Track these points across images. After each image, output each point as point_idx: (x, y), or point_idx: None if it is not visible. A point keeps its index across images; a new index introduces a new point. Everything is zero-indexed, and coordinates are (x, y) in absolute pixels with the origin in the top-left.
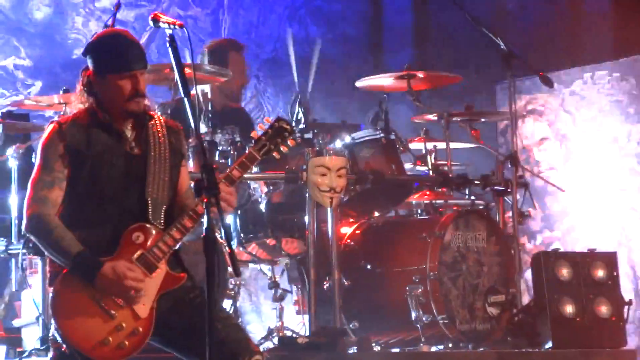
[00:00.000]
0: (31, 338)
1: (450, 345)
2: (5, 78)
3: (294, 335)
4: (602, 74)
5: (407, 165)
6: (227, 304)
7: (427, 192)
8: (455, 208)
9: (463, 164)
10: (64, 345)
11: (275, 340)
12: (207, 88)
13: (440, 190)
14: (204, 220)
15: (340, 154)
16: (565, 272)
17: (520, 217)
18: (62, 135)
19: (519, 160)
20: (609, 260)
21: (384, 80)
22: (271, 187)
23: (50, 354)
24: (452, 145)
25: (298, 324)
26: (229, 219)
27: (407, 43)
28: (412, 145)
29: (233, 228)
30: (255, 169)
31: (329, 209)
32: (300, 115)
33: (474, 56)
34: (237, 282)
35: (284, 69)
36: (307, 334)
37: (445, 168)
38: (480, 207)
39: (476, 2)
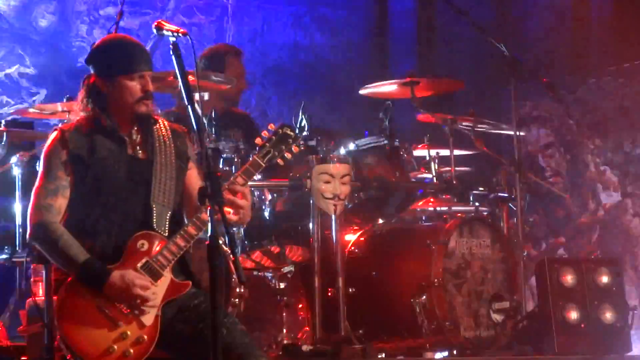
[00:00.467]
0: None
1: (455, 352)
2: (9, 86)
3: (299, 343)
4: (607, 80)
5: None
6: (231, 311)
7: (431, 199)
8: (459, 215)
9: (467, 171)
10: (69, 354)
11: (280, 348)
12: (206, 95)
13: (444, 197)
14: (209, 227)
15: (344, 161)
16: (569, 279)
17: (525, 223)
18: (65, 143)
19: (523, 166)
20: (614, 266)
21: (388, 87)
22: (275, 195)
23: None
24: (456, 152)
25: (302, 332)
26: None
27: (412, 50)
28: (416, 152)
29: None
30: (258, 176)
31: (333, 216)
32: (304, 123)
33: (478, 63)
34: (242, 289)
35: (288, 77)
36: (312, 341)
37: (449, 175)
38: (484, 213)
39: (480, 9)
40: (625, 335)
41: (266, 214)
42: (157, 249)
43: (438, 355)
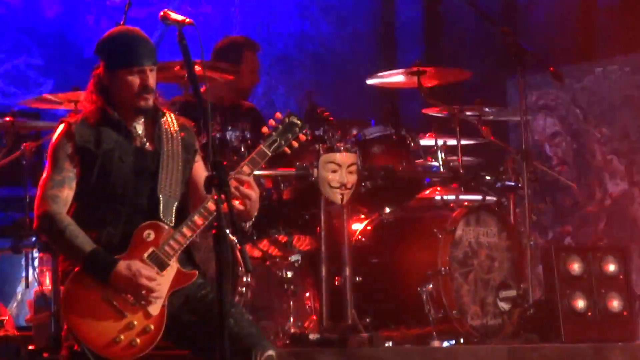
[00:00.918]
0: (43, 336)
1: (461, 340)
2: (17, 77)
3: (306, 332)
4: (613, 69)
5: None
6: (238, 300)
7: (438, 188)
8: (466, 204)
9: (474, 160)
10: (76, 343)
11: (287, 337)
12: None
13: (451, 185)
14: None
15: (350, 150)
16: (576, 267)
17: (533, 212)
18: (71, 135)
19: (530, 155)
20: (621, 254)
21: (395, 77)
22: (282, 184)
23: (62, 352)
24: (463, 141)
25: (309, 321)
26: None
27: (419, 39)
28: (423, 142)
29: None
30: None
31: (340, 205)
32: (312, 112)
33: (485, 52)
34: (248, 278)
35: (295, 66)
36: (319, 330)
37: (456, 163)
38: (491, 202)
39: None
40: (632, 324)
41: (272, 202)
42: (164, 239)
43: (445, 343)
